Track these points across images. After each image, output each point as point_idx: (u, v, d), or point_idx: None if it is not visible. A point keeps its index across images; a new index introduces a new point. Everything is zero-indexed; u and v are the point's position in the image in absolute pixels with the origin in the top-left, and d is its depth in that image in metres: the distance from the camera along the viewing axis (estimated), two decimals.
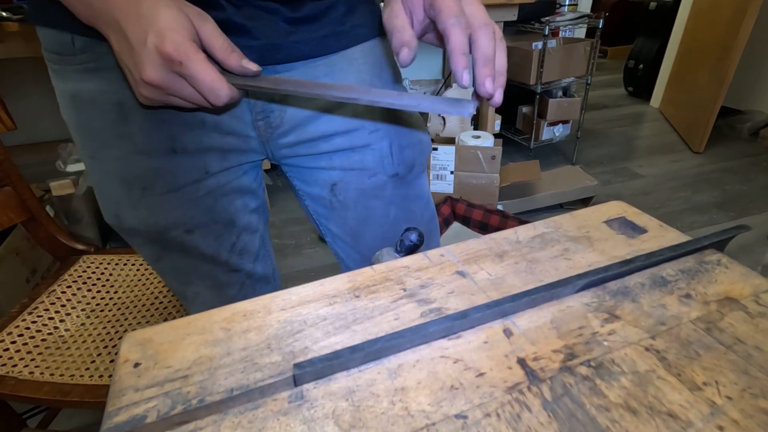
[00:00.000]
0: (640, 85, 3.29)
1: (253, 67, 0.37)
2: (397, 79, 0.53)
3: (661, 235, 0.36)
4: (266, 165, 1.72)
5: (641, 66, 3.24)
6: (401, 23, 0.36)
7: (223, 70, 0.37)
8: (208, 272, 0.52)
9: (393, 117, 0.52)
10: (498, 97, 0.35)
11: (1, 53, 1.31)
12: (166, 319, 0.78)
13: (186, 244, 0.49)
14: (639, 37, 3.27)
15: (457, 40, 0.33)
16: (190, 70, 0.33)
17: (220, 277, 0.53)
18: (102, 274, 0.89)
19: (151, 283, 0.88)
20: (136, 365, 0.26)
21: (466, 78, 0.33)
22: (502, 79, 0.36)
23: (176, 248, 0.49)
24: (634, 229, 0.37)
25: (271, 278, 0.59)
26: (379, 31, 0.51)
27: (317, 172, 0.51)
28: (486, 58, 0.34)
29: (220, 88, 0.35)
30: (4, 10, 1.27)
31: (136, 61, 0.33)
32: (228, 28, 0.38)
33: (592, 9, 2.86)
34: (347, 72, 0.48)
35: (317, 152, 0.50)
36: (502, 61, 0.36)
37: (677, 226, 0.37)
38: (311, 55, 0.45)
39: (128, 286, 0.87)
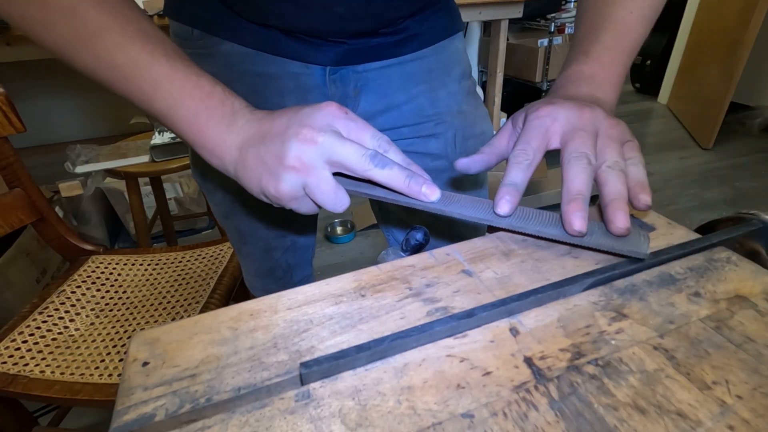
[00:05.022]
0: (647, 80, 3.25)
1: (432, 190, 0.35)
2: (465, 76, 0.56)
3: (669, 233, 0.35)
4: None
5: (649, 62, 3.21)
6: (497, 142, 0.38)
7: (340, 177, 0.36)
8: (262, 236, 0.61)
9: (458, 110, 0.55)
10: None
11: (9, 56, 1.32)
12: (173, 319, 0.79)
13: (251, 207, 0.57)
14: None
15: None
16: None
17: (270, 241, 0.62)
18: (111, 274, 0.90)
19: (159, 283, 0.88)
20: (145, 364, 0.26)
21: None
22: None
23: (242, 211, 0.58)
24: (642, 227, 0.36)
25: (310, 248, 0.69)
26: (454, 28, 0.54)
27: None
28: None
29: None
30: None
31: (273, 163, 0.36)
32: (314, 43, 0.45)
33: None
34: (418, 69, 0.51)
35: None
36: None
37: (686, 223, 0.37)
38: (387, 57, 0.50)
39: (136, 286, 0.88)
